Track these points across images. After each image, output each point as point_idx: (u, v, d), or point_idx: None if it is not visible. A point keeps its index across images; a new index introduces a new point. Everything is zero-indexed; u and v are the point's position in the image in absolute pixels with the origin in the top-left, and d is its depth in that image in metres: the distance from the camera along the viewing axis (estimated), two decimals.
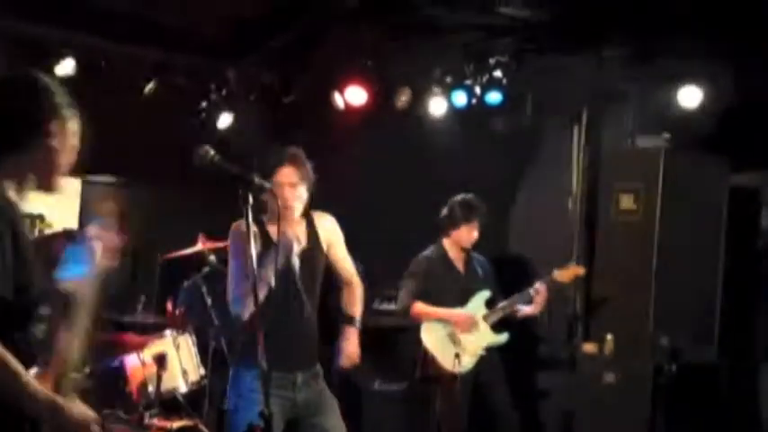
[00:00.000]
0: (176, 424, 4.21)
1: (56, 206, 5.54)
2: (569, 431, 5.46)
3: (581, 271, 4.97)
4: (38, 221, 5.49)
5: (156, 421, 4.20)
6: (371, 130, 6.12)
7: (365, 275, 6.19)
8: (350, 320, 3.55)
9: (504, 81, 5.69)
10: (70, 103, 2.27)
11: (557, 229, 5.84)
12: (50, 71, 5.04)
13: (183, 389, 4.51)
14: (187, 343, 4.62)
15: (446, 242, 4.95)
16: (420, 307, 4.80)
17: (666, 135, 5.55)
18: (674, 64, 5.27)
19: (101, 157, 5.45)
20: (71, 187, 5.61)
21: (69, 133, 2.25)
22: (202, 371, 4.69)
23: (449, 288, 4.85)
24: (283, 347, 3.15)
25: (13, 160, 2.16)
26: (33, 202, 5.84)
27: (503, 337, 4.83)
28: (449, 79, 5.92)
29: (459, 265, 4.94)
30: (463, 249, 4.93)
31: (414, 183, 6.17)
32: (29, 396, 2.06)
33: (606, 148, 5.96)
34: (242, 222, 3.21)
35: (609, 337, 5.46)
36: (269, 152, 3.39)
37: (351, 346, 3.44)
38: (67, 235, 4.03)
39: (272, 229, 3.29)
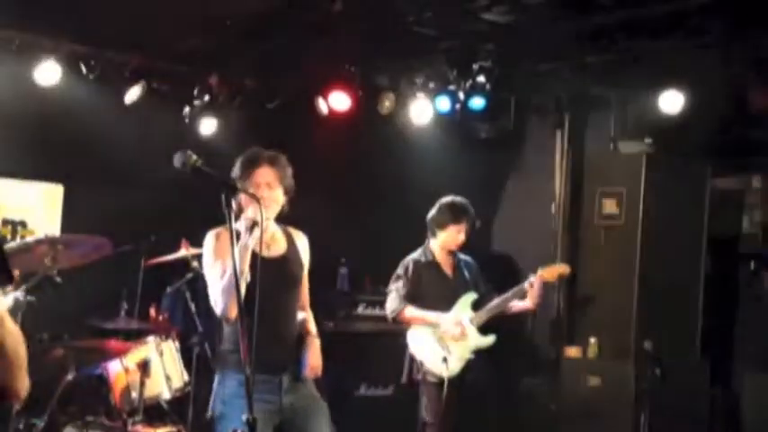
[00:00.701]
0: (160, 430, 4.18)
1: (38, 213, 5.52)
2: None
3: (566, 270, 4.96)
4: (20, 228, 5.45)
5: (139, 428, 4.16)
6: (355, 135, 6.13)
7: (350, 280, 6.25)
8: (311, 333, 3.51)
9: (488, 86, 5.72)
10: None
11: (540, 233, 5.88)
12: (34, 76, 5.02)
13: (166, 395, 4.47)
14: (171, 349, 4.59)
15: (433, 244, 4.91)
16: (411, 312, 4.77)
17: (648, 140, 5.59)
18: (656, 69, 5.31)
19: (83, 163, 5.48)
20: (53, 193, 5.58)
21: None
22: (186, 377, 4.65)
23: (437, 292, 4.81)
24: (267, 349, 3.13)
25: None
26: (16, 210, 5.84)
27: (489, 339, 4.81)
28: (432, 85, 5.95)
29: (447, 269, 4.91)
30: (450, 252, 4.91)
31: (397, 188, 6.19)
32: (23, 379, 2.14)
33: (589, 153, 6.00)
34: (218, 230, 3.22)
35: (592, 340, 5.50)
36: (247, 152, 3.35)
37: (314, 358, 3.41)
38: (50, 241, 4.00)
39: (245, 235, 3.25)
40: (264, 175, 3.29)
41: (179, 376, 4.58)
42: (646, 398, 5.07)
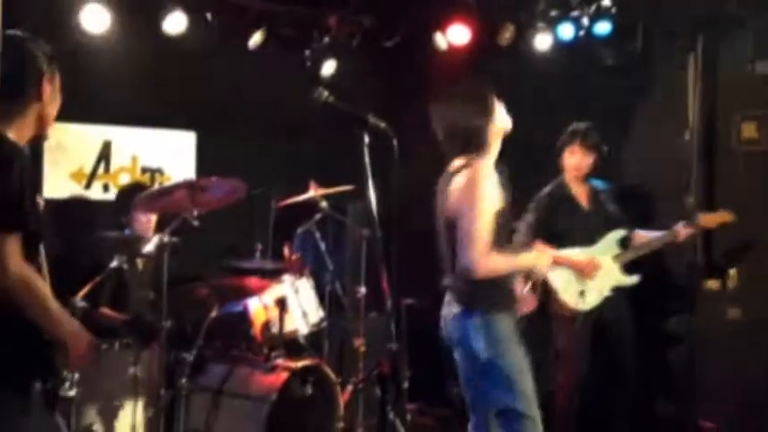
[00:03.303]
0: (300, 363, 4.33)
1: (173, 160, 5.75)
2: (691, 369, 5.33)
3: (730, 218, 4.66)
4: (157, 175, 5.71)
5: (281, 361, 4.33)
6: (475, 69, 6.02)
7: None
8: None
9: (613, 10, 5.48)
10: (53, 58, 2.53)
11: (673, 162, 5.61)
12: (160, 26, 5.17)
13: (303, 330, 4.64)
14: (305, 287, 4.73)
15: (566, 176, 4.80)
16: (540, 248, 4.70)
17: None
18: None
19: (212, 110, 5.65)
20: (187, 141, 5.79)
21: (57, 88, 2.51)
22: (321, 313, 4.80)
23: (574, 228, 4.68)
24: (514, 291, 3.31)
25: (18, 116, 2.44)
26: (152, 158, 6.10)
27: (633, 279, 4.65)
28: (554, 12, 5.74)
29: (583, 201, 4.77)
30: (584, 182, 4.76)
31: (520, 122, 6.04)
32: (55, 319, 2.38)
33: (724, 75, 5.66)
34: (482, 168, 3.20)
35: (732, 271, 5.28)
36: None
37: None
38: (188, 185, 4.15)
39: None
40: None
41: (314, 312, 4.73)
42: None
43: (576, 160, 4.70)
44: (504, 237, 3.28)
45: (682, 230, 4.54)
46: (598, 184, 4.85)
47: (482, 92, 3.36)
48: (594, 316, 4.61)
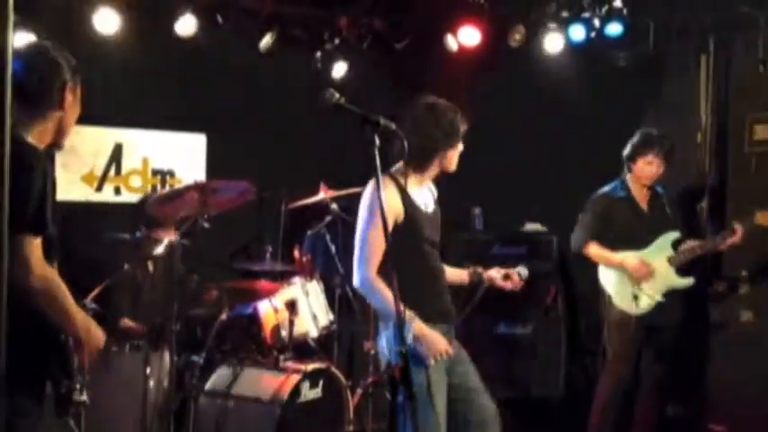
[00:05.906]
0: (309, 366, 4.32)
1: (183, 162, 5.75)
2: (701, 372, 5.31)
3: None
4: (168, 177, 5.71)
5: (290, 364, 4.32)
6: (485, 71, 6.00)
7: (484, 219, 6.21)
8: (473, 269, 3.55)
9: (625, 11, 5.46)
10: (77, 69, 2.58)
11: (685, 164, 5.59)
12: (171, 29, 5.17)
13: (313, 333, 4.63)
14: (315, 289, 4.73)
15: (629, 178, 4.72)
16: (594, 250, 4.62)
17: None
18: None
19: (223, 112, 5.65)
20: (197, 143, 5.79)
21: (77, 99, 2.54)
22: (331, 316, 4.79)
23: (633, 231, 4.63)
24: (443, 299, 3.28)
25: (38, 123, 2.49)
26: (163, 160, 6.09)
27: (687, 281, 4.61)
28: (565, 13, 5.71)
29: (643, 205, 4.71)
30: (647, 186, 4.70)
31: (531, 124, 6.03)
32: (72, 317, 2.43)
33: (737, 76, 5.64)
34: (385, 180, 3.13)
35: (744, 274, 5.25)
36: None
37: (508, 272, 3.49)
38: (199, 187, 4.15)
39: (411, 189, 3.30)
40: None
41: (324, 315, 4.72)
42: None
43: (653, 169, 4.64)
44: (411, 252, 3.20)
45: (739, 229, 4.48)
46: (658, 188, 4.80)
47: (456, 122, 3.32)
48: (646, 321, 4.55)
